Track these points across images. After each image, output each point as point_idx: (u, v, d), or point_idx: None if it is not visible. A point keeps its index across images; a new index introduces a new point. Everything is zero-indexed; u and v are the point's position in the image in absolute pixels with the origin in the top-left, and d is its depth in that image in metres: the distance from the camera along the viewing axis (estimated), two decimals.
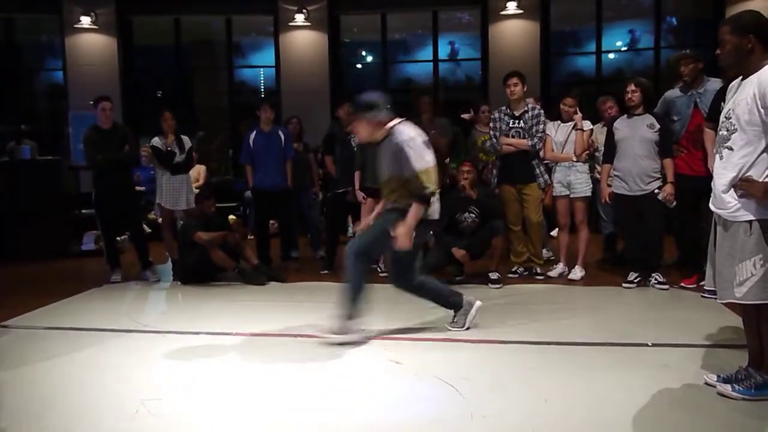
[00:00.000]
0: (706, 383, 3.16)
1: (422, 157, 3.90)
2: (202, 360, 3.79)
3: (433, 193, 3.92)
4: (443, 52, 10.47)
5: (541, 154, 5.77)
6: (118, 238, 6.62)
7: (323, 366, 3.66)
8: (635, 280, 5.36)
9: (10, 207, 7.39)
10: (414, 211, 3.85)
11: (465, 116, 7.06)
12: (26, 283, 6.32)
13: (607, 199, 5.48)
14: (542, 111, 5.80)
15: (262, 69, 11.19)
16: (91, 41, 10.06)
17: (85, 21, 9.85)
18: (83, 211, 7.81)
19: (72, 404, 3.17)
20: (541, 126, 5.68)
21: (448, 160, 6.41)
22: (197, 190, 6.67)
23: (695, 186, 5.02)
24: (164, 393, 3.28)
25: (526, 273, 5.89)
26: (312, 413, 3.01)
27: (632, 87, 5.24)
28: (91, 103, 6.27)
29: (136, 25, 10.53)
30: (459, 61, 11.06)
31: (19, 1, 9.89)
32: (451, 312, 4.30)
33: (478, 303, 4.29)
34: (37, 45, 11.46)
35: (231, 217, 5.93)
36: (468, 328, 4.22)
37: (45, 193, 7.64)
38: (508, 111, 5.76)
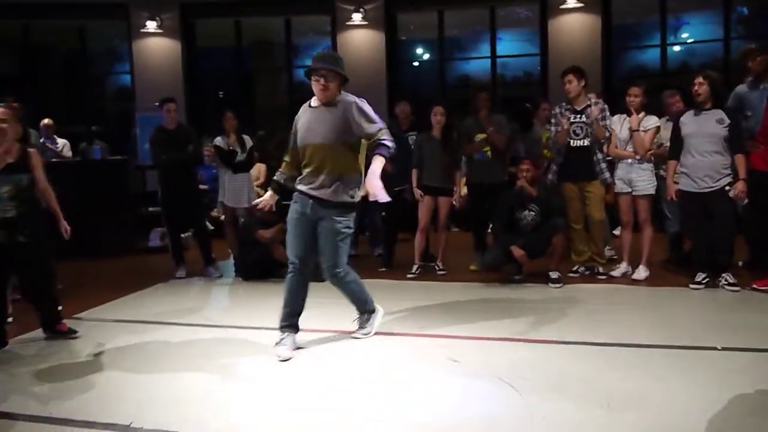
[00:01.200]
0: None
1: (376, 118, 3.82)
2: (263, 354, 3.87)
3: (392, 149, 3.75)
4: (501, 48, 10.34)
5: (605, 149, 5.64)
6: (182, 235, 6.82)
7: (381, 364, 3.69)
8: (703, 281, 5.17)
9: (82, 205, 7.72)
10: (378, 163, 3.67)
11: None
12: (97, 277, 6.59)
13: (674, 197, 5.31)
14: (606, 105, 5.65)
15: None
16: (156, 45, 10.41)
17: (151, 26, 10.20)
18: (150, 209, 8.08)
19: (142, 393, 3.30)
20: (607, 122, 5.55)
21: (507, 156, 6.37)
22: (258, 189, 6.81)
23: None
24: (227, 385, 3.38)
25: (587, 272, 5.76)
26: (369, 410, 3.03)
27: (700, 80, 5.05)
28: (157, 104, 6.48)
29: (198, 28, 10.83)
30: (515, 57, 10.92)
31: (90, 9, 10.31)
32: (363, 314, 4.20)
33: (381, 310, 4.24)
34: (106, 50, 11.94)
35: None
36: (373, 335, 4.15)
37: (114, 191, 7.94)
38: (569, 106, 5.64)
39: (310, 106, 3.92)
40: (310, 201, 3.81)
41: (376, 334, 4.16)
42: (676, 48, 10.32)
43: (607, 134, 5.54)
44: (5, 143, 4.03)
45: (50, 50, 11.72)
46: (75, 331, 4.35)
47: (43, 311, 4.30)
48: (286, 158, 4.04)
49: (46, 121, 8.19)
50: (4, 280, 4.18)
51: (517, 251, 5.46)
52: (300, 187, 3.87)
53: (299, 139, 3.88)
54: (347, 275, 3.96)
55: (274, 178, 4.06)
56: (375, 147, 3.73)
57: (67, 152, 8.16)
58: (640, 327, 4.23)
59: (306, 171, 3.85)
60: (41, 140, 7.89)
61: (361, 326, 4.17)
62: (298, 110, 4.03)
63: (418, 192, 6.01)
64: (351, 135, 3.76)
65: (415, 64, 11.77)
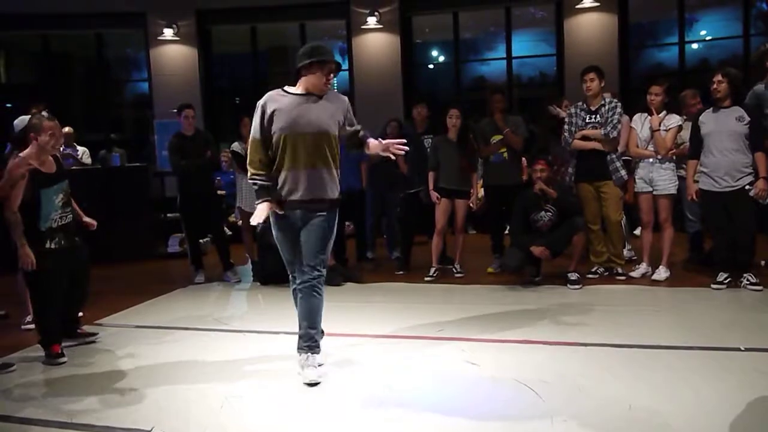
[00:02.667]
0: None
1: None
2: (282, 359, 3.88)
3: None
4: (517, 49, 10.30)
5: (620, 148, 5.59)
6: (201, 241, 6.87)
7: (399, 366, 3.68)
8: (725, 281, 5.10)
9: (102, 212, 7.80)
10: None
11: (555, 112, 6.70)
12: (117, 283, 6.65)
13: (694, 197, 5.24)
14: (619, 103, 5.60)
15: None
16: (173, 52, 10.50)
17: (168, 33, 10.30)
18: (168, 214, 8.15)
19: (161, 398, 3.33)
20: (617, 117, 5.49)
21: (524, 158, 6.34)
22: None
23: None
24: (246, 390, 3.39)
25: (606, 273, 5.71)
26: (387, 413, 3.02)
27: (719, 78, 4.99)
28: (175, 111, 6.53)
29: (214, 35, 10.92)
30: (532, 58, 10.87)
31: (108, 18, 10.43)
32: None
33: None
34: (123, 58, 12.08)
35: None
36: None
37: (133, 198, 8.02)
38: (584, 106, 5.60)
39: (287, 93, 3.60)
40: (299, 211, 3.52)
41: (394, 337, 4.15)
42: (695, 45, 10.20)
43: (613, 132, 5.45)
44: (45, 154, 4.06)
45: (69, 59, 11.88)
46: (94, 334, 4.43)
47: (72, 316, 4.34)
48: (259, 156, 3.57)
49: (66, 129, 8.24)
50: (62, 287, 4.13)
51: (537, 249, 5.41)
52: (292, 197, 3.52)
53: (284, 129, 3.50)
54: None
55: (262, 184, 3.59)
56: (364, 138, 3.67)
57: (87, 160, 8.25)
58: (661, 328, 4.18)
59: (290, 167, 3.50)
60: (62, 148, 7.97)
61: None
62: None
63: (434, 195, 6.00)
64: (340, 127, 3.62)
65: (431, 66, 11.77)
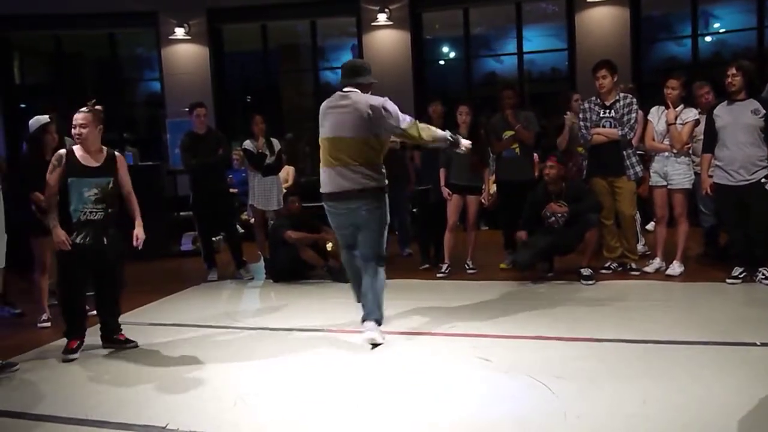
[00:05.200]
0: None
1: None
2: (295, 355, 3.90)
3: None
4: (528, 44, 10.24)
5: (634, 142, 5.55)
6: (213, 239, 6.90)
7: (412, 363, 3.68)
8: (740, 276, 5.05)
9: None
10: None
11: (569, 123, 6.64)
12: (131, 281, 6.64)
13: (709, 191, 5.19)
14: (635, 99, 5.56)
15: None
16: (184, 51, 10.55)
17: (179, 32, 10.34)
18: (181, 213, 8.19)
19: (176, 395, 3.35)
20: (633, 115, 5.45)
21: (535, 154, 6.31)
22: (286, 191, 6.85)
23: None
24: (260, 387, 3.41)
25: (620, 269, 5.67)
26: (400, 410, 3.03)
27: (733, 71, 4.93)
28: (187, 109, 6.56)
29: (225, 33, 10.95)
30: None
31: (120, 18, 10.48)
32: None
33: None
34: (135, 57, 12.14)
35: (329, 245, 6.08)
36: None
37: (146, 197, 8.04)
38: (599, 101, 5.56)
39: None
40: None
41: (406, 333, 4.15)
42: (708, 38, 10.10)
43: (631, 133, 5.43)
44: (88, 147, 4.07)
45: (81, 59, 11.96)
46: (132, 341, 4.28)
47: (106, 320, 4.27)
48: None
49: None
50: (85, 281, 4.18)
51: (519, 233, 5.48)
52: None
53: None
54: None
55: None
56: None
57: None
58: (676, 323, 4.15)
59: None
60: None
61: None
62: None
63: (446, 191, 5.99)
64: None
65: (441, 62, 11.73)
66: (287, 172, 8.38)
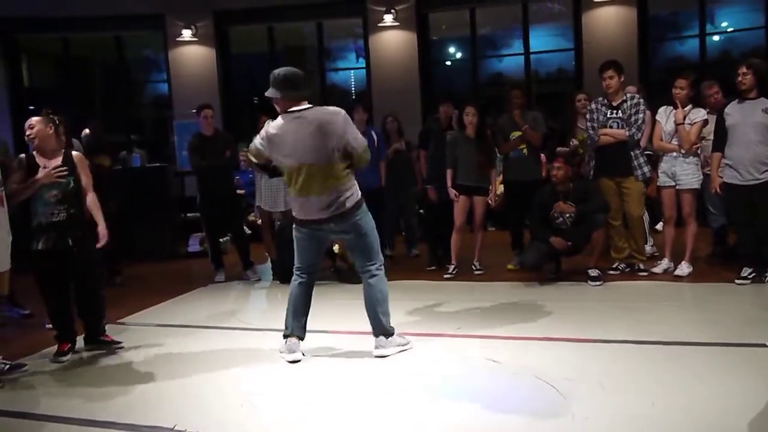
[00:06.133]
0: None
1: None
2: (302, 357, 3.89)
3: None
4: (534, 44, 10.22)
5: (642, 143, 5.52)
6: (221, 240, 6.92)
7: (419, 364, 3.67)
8: (749, 276, 5.01)
9: (124, 212, 7.89)
10: None
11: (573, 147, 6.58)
12: (139, 283, 6.73)
13: (718, 190, 5.16)
14: (642, 100, 5.53)
15: (352, 71, 11.39)
16: (191, 53, 10.58)
17: (186, 34, 10.38)
18: (188, 214, 8.21)
19: (183, 396, 3.36)
20: (641, 115, 5.42)
21: (543, 154, 6.29)
22: None
23: None
24: (266, 388, 3.41)
25: (627, 269, 5.65)
26: (408, 411, 3.02)
27: (743, 69, 4.91)
28: (194, 111, 6.58)
29: (231, 35, 10.98)
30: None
31: (127, 21, 10.53)
32: None
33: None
34: (142, 59, 12.19)
35: (335, 246, 6.10)
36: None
37: (154, 198, 8.10)
38: (606, 101, 5.54)
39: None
40: None
41: (414, 335, 4.14)
42: (716, 37, 10.05)
43: (638, 134, 5.40)
44: (43, 149, 4.13)
45: (89, 62, 12.02)
46: (119, 342, 4.33)
47: (88, 320, 4.29)
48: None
49: (87, 131, 8.40)
50: (65, 286, 4.19)
51: (556, 240, 5.36)
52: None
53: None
54: None
55: None
56: None
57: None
58: (684, 324, 4.13)
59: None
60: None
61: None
62: None
63: (452, 192, 5.98)
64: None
65: (448, 63, 11.73)
66: None
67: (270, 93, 3.78)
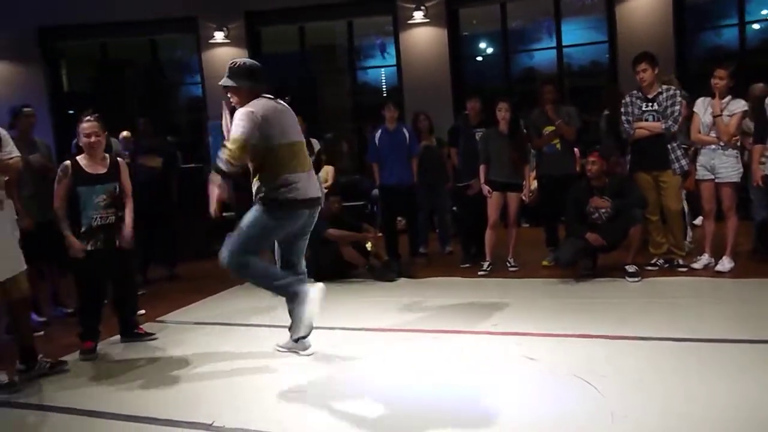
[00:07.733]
0: None
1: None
2: (338, 354, 3.92)
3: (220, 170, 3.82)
4: (567, 38, 10.07)
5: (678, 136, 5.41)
6: None
7: (455, 361, 3.67)
8: None
9: (161, 213, 8.03)
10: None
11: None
12: (177, 281, 6.85)
13: (760, 182, 5.03)
14: (678, 91, 5.42)
15: (383, 68, 11.40)
16: (224, 55, 10.68)
17: (219, 36, 10.51)
18: (224, 214, 8.29)
19: (221, 393, 3.42)
20: (677, 107, 5.31)
21: (576, 149, 6.22)
22: (326, 191, 6.89)
23: None
24: (303, 385, 3.44)
25: (666, 265, 5.54)
26: (442, 408, 3.02)
27: None
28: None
29: (263, 36, 11.08)
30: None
31: (162, 24, 10.72)
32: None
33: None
34: (176, 62, 12.38)
35: (368, 244, 6.14)
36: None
37: (190, 198, 8.22)
38: (640, 94, 5.44)
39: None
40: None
41: (449, 332, 4.13)
42: (756, 26, 9.77)
43: (674, 126, 5.29)
44: (96, 155, 4.27)
45: (125, 66, 12.25)
46: (152, 334, 4.56)
47: (124, 316, 4.52)
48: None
49: (124, 133, 8.55)
50: (103, 286, 4.40)
51: (592, 236, 5.29)
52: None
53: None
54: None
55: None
56: None
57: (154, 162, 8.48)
58: (725, 321, 4.04)
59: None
60: (122, 151, 8.24)
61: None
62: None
63: (486, 188, 5.95)
64: None
65: (479, 58, 11.64)
66: (327, 172, 8.43)
67: (239, 82, 3.80)
